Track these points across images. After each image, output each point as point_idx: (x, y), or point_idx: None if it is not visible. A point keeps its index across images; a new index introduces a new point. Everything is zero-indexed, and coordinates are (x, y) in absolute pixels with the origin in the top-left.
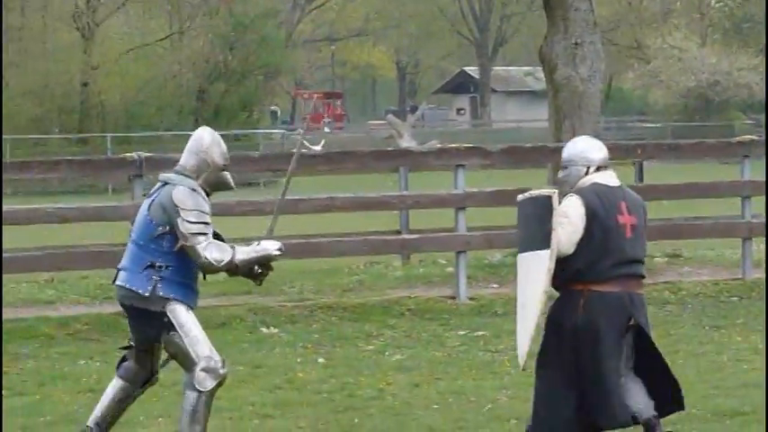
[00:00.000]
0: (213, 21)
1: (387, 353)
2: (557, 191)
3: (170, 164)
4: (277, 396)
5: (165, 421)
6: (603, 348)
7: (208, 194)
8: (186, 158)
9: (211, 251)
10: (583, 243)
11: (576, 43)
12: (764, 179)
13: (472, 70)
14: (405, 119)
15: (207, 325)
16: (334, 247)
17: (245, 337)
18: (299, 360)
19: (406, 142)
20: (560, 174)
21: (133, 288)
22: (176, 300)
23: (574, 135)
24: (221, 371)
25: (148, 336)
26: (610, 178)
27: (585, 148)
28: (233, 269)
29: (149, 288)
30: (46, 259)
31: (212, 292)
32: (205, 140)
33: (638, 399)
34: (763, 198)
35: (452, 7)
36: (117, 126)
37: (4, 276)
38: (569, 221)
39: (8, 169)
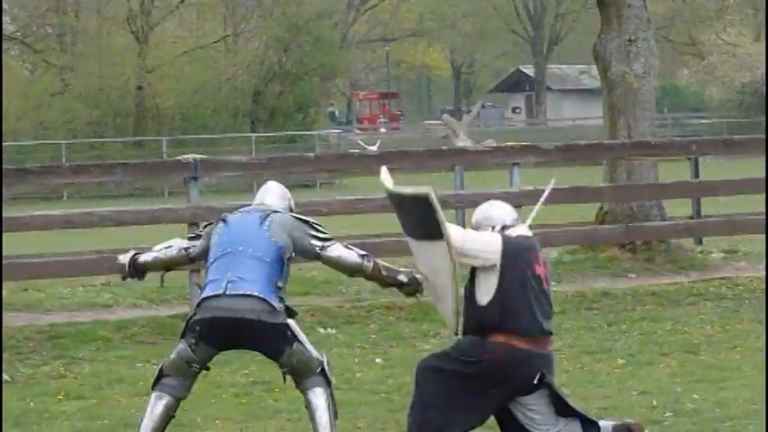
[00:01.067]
0: (267, 23)
1: None
2: (432, 188)
3: (225, 166)
4: (335, 397)
5: (222, 423)
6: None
7: None
8: (275, 201)
9: (343, 251)
10: (500, 287)
11: (630, 40)
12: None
13: (527, 69)
14: (460, 118)
15: None
16: (394, 247)
17: None
18: (356, 360)
19: (462, 141)
20: None
21: (268, 299)
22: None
23: (629, 132)
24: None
25: (219, 349)
26: (522, 230)
27: (489, 214)
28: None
29: (277, 304)
30: (102, 262)
31: None
32: (284, 189)
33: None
34: None
35: (507, 6)
36: (172, 129)
37: (63, 280)
38: (478, 234)
39: (64, 173)
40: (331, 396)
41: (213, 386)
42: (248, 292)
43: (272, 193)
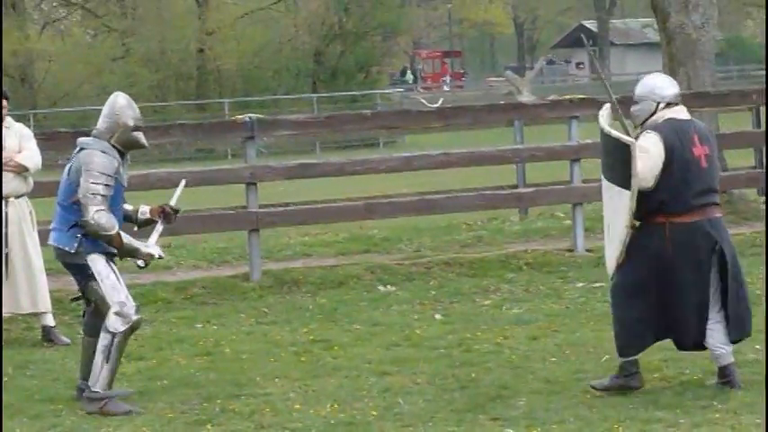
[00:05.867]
0: None
1: (504, 307)
2: (635, 142)
3: (282, 125)
4: (395, 353)
5: (281, 382)
6: (688, 277)
7: (122, 154)
8: (100, 122)
9: (100, 216)
10: (664, 177)
11: None
12: None
13: (590, 24)
14: (524, 75)
15: (324, 284)
16: (451, 204)
17: (362, 295)
18: (416, 317)
19: (526, 98)
20: (633, 108)
21: (61, 246)
22: (96, 252)
23: (689, 83)
24: (133, 316)
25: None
26: (681, 113)
27: (656, 85)
28: (116, 244)
29: (75, 245)
30: None
31: (330, 252)
32: (117, 104)
33: (719, 342)
34: None
35: None
36: (234, 91)
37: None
38: (649, 156)
39: None
40: (112, 341)
41: (273, 345)
42: (51, 244)
43: (101, 117)
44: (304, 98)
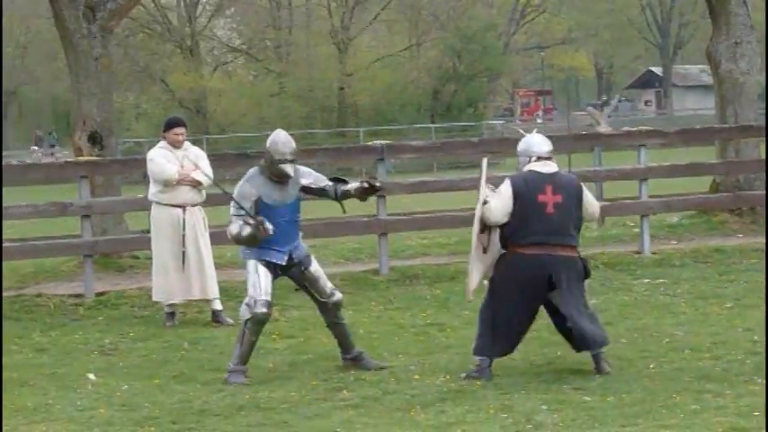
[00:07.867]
0: (444, 34)
1: None
2: (485, 160)
3: (406, 149)
4: None
5: (403, 357)
6: (519, 297)
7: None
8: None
9: (231, 229)
10: (510, 215)
11: (736, 42)
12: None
13: (656, 69)
14: (602, 110)
15: (439, 278)
16: None
17: None
18: None
19: (603, 129)
20: (518, 160)
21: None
22: (249, 257)
23: (736, 118)
24: (256, 309)
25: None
26: (545, 167)
27: (532, 143)
28: (251, 241)
29: (241, 251)
30: (310, 229)
31: (444, 252)
32: (270, 140)
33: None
34: None
35: (639, 18)
36: (368, 121)
37: None
38: (500, 197)
39: None
40: (243, 326)
41: (397, 327)
42: None
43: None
44: (424, 128)
